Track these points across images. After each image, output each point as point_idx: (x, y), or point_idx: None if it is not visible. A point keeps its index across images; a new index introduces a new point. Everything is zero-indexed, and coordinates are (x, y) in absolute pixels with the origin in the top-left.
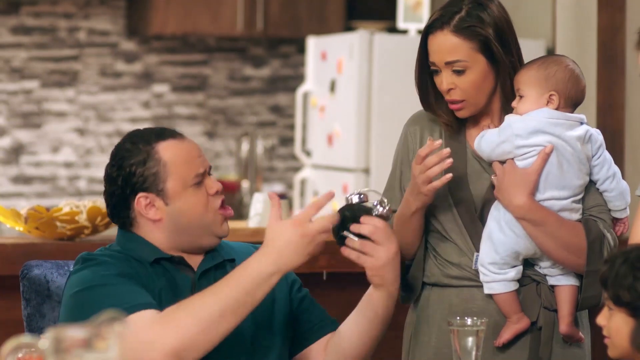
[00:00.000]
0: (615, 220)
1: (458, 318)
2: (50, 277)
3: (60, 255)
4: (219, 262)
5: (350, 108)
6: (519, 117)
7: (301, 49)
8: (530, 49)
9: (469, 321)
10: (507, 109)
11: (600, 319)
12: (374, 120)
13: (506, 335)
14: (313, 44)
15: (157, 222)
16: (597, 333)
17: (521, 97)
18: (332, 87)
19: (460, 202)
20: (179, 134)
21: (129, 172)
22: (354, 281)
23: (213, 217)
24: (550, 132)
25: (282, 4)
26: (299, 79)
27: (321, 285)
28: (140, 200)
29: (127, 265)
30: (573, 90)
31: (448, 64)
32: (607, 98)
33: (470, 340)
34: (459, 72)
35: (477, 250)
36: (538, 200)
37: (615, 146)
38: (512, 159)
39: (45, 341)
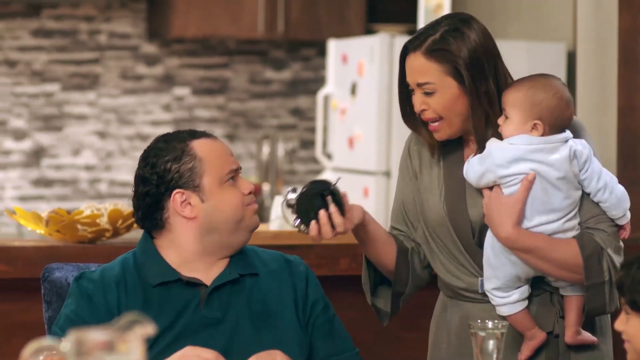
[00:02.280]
0: (617, 227)
1: (479, 321)
2: (71, 280)
3: (81, 258)
4: (234, 278)
5: (371, 111)
6: (498, 145)
7: (322, 52)
8: (550, 52)
9: (489, 324)
10: (481, 136)
11: (618, 325)
12: (394, 123)
13: (525, 352)
14: (334, 46)
15: (190, 220)
16: (618, 337)
17: (506, 117)
18: (353, 90)
19: (459, 227)
20: (210, 134)
21: (164, 169)
22: None
23: (246, 215)
24: (531, 158)
25: (303, 6)
26: (320, 81)
27: (341, 288)
28: (176, 197)
29: (102, 297)
30: (559, 119)
31: (419, 85)
32: (628, 100)
33: (491, 344)
34: (428, 94)
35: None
36: (526, 227)
37: (636, 148)
38: (499, 185)
39: (66, 344)
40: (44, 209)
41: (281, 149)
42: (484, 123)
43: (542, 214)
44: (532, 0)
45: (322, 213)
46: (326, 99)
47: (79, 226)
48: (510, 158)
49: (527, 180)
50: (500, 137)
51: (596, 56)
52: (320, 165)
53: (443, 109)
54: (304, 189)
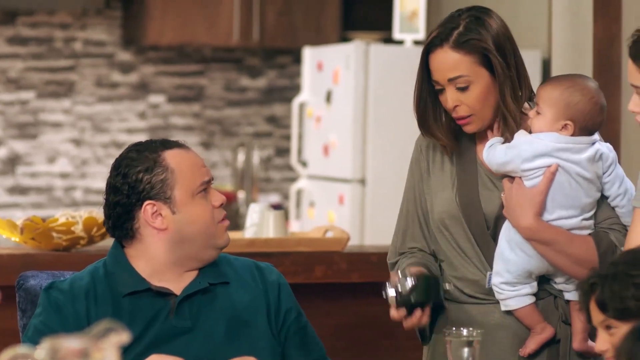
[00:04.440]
0: None
1: (454, 328)
2: None
3: (56, 266)
4: (204, 287)
5: (346, 118)
6: (527, 138)
7: (297, 60)
8: (526, 59)
9: (464, 331)
10: (507, 124)
11: (601, 345)
12: (370, 131)
13: (532, 345)
14: (309, 54)
15: (161, 232)
16: None
17: (538, 113)
18: (328, 97)
19: (472, 220)
20: (183, 144)
21: (136, 179)
22: (349, 291)
23: (216, 229)
24: (557, 156)
25: (278, 14)
26: (295, 89)
27: (317, 296)
28: (147, 209)
29: (71, 308)
30: (590, 122)
31: (451, 80)
32: None
33: (465, 352)
34: (463, 89)
35: (491, 267)
36: (547, 220)
37: None
38: (520, 177)
39: (41, 351)
40: (19, 217)
41: (256, 157)
42: (515, 109)
43: (562, 208)
44: (507, 8)
45: (417, 314)
46: (301, 106)
47: (54, 234)
48: (536, 152)
49: (549, 171)
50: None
51: (571, 63)
52: (296, 173)
53: (477, 102)
54: (417, 291)
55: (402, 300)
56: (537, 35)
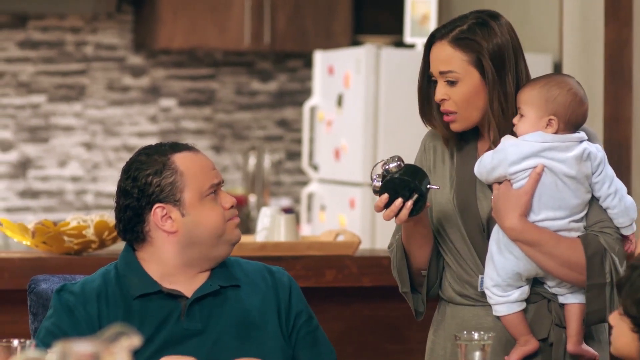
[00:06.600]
0: (623, 238)
1: (465, 332)
2: None
3: (67, 270)
4: (215, 289)
5: (357, 122)
6: (513, 141)
7: (308, 64)
8: (537, 63)
9: (475, 335)
10: (500, 129)
11: (611, 319)
12: (380, 135)
13: (514, 356)
14: (320, 58)
15: (171, 234)
16: None
17: (522, 116)
18: (339, 101)
19: (469, 222)
20: (192, 147)
21: (145, 182)
22: (360, 295)
23: (227, 229)
24: (544, 155)
25: (289, 18)
26: (306, 93)
27: (327, 300)
28: (157, 212)
29: (83, 310)
30: (574, 115)
31: (442, 74)
32: (614, 111)
33: (477, 355)
34: (451, 83)
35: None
36: (533, 221)
37: (622, 160)
38: (509, 180)
39: (52, 355)
40: (30, 221)
41: (267, 160)
42: (501, 117)
43: (549, 209)
44: (518, 12)
45: (397, 202)
46: (312, 110)
47: (65, 238)
48: (523, 154)
49: (535, 172)
50: (514, 134)
51: (582, 67)
52: (307, 177)
53: (463, 100)
54: (402, 171)
55: (386, 182)
56: (548, 39)
